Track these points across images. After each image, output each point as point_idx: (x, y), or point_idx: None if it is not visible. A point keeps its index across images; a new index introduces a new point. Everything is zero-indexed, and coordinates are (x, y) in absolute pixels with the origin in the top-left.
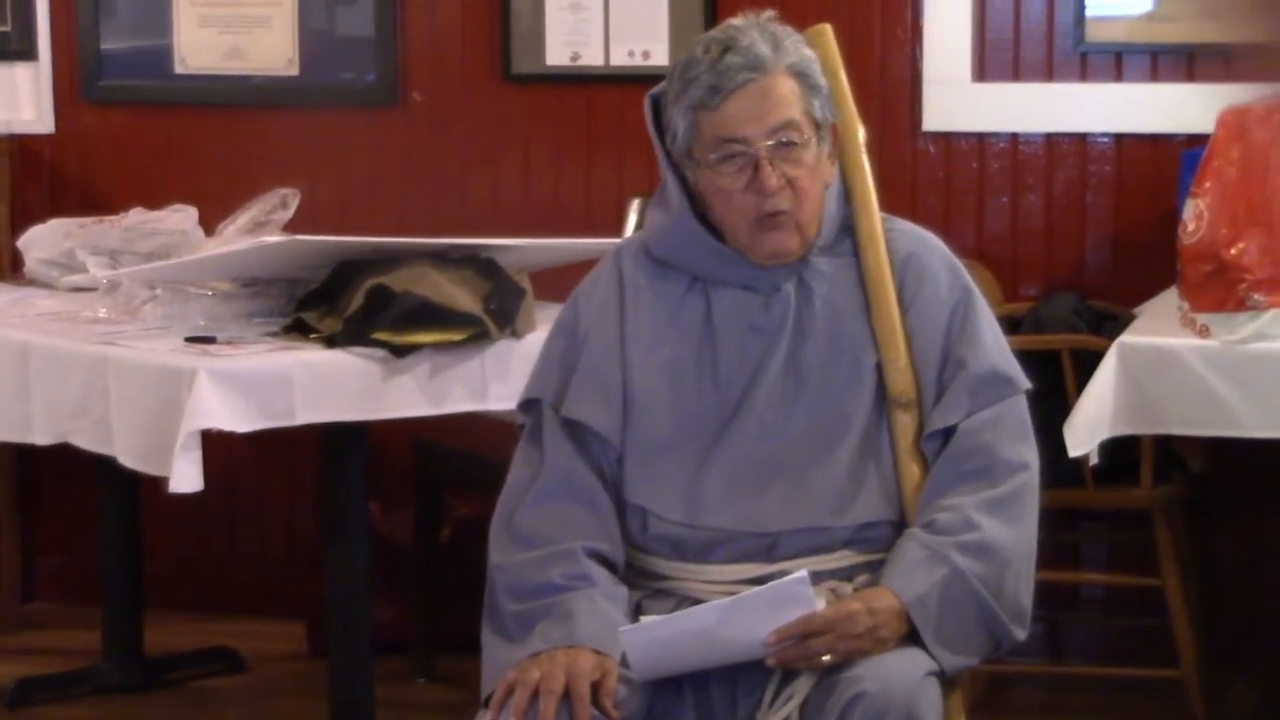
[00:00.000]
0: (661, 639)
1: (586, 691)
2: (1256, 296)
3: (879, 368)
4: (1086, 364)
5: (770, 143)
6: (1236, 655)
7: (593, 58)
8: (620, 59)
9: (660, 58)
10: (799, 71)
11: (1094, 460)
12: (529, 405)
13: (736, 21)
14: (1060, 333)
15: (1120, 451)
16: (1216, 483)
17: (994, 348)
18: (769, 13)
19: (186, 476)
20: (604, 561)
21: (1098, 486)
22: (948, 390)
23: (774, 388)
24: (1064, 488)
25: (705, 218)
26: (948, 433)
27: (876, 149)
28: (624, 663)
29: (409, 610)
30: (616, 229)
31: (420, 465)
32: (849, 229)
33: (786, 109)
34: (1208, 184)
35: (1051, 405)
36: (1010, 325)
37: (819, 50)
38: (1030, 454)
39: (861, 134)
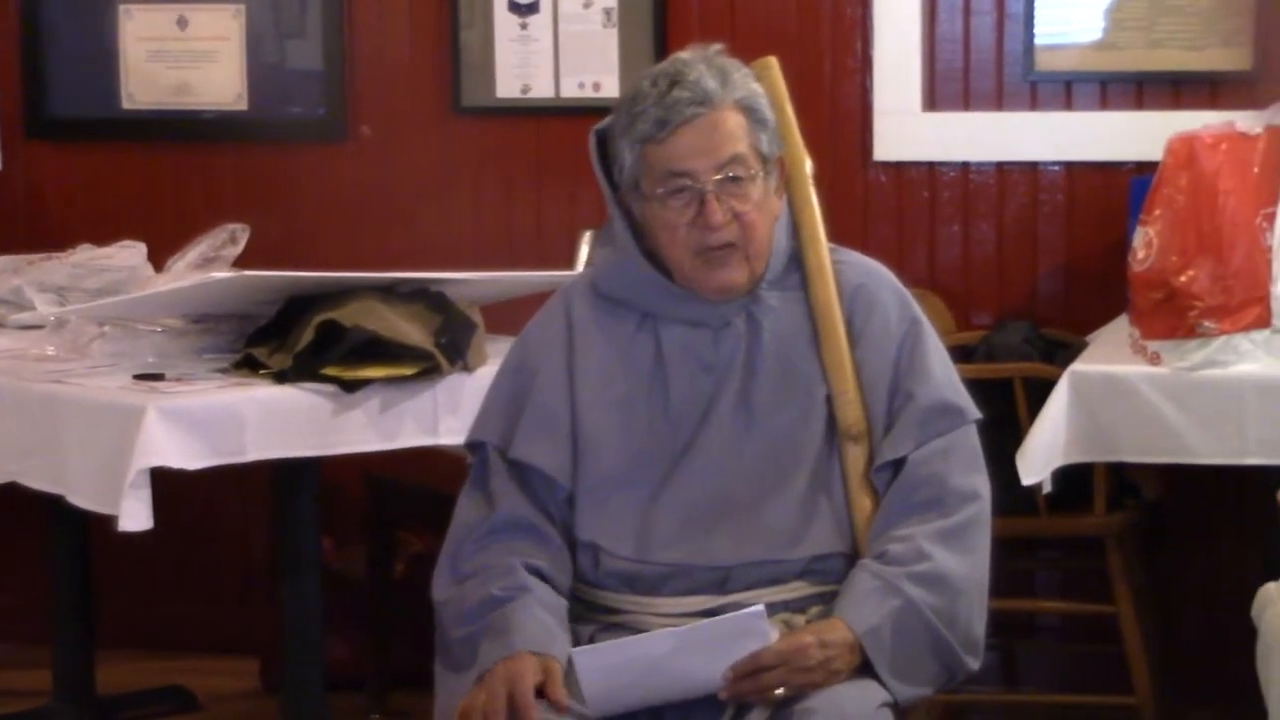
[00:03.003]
0: (614, 665)
1: (529, 693)
2: (1207, 323)
3: (829, 400)
4: (1039, 392)
5: (717, 177)
6: (1192, 681)
7: (543, 90)
8: (571, 91)
9: (611, 89)
10: (746, 106)
11: (1047, 488)
12: (474, 446)
13: (684, 55)
14: (1012, 361)
15: (1074, 479)
16: (1170, 509)
17: (943, 378)
18: (717, 46)
19: (136, 515)
20: (543, 577)
21: (1052, 514)
22: (897, 422)
23: (725, 423)
24: (1018, 516)
25: (653, 254)
26: (898, 464)
27: (828, 179)
28: (578, 696)
29: (362, 646)
30: (569, 262)
31: (373, 501)
32: (797, 262)
33: (733, 143)
34: (1157, 212)
35: (1005, 434)
36: (963, 354)
37: (765, 82)
38: (981, 484)
39: (809, 166)
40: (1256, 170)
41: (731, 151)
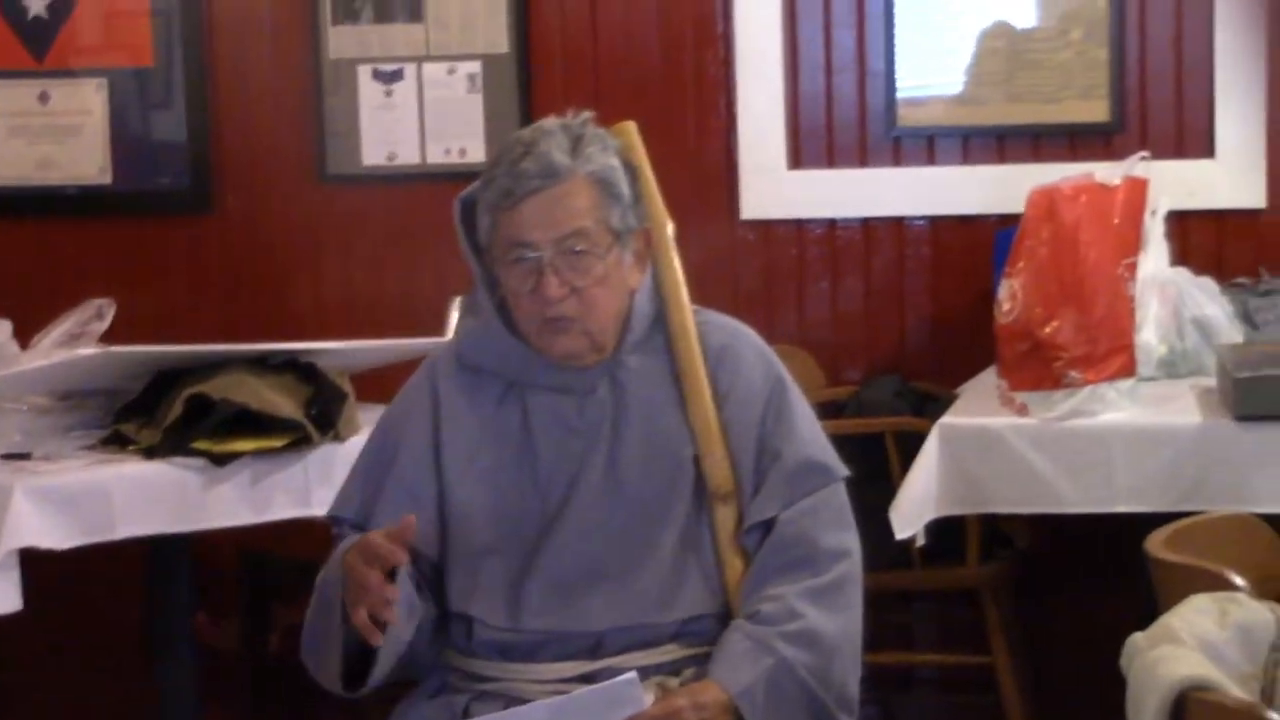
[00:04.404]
0: None
1: (381, 543)
2: (1072, 374)
3: (697, 462)
4: (910, 446)
5: (556, 250)
6: None
7: (409, 156)
8: (437, 157)
9: (477, 155)
10: (599, 179)
11: (921, 541)
12: (335, 520)
13: (546, 124)
14: (883, 416)
15: (948, 531)
16: (1043, 558)
17: (809, 436)
18: (585, 114)
19: (5, 597)
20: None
21: (926, 567)
22: (765, 482)
23: (594, 489)
24: (893, 570)
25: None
26: (768, 524)
27: (695, 239)
28: None
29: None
30: (438, 328)
31: (246, 574)
32: (661, 324)
33: (578, 218)
34: (1020, 264)
35: (877, 488)
36: (834, 410)
37: (624, 147)
38: (851, 541)
39: (670, 229)
40: (1117, 221)
41: (574, 226)
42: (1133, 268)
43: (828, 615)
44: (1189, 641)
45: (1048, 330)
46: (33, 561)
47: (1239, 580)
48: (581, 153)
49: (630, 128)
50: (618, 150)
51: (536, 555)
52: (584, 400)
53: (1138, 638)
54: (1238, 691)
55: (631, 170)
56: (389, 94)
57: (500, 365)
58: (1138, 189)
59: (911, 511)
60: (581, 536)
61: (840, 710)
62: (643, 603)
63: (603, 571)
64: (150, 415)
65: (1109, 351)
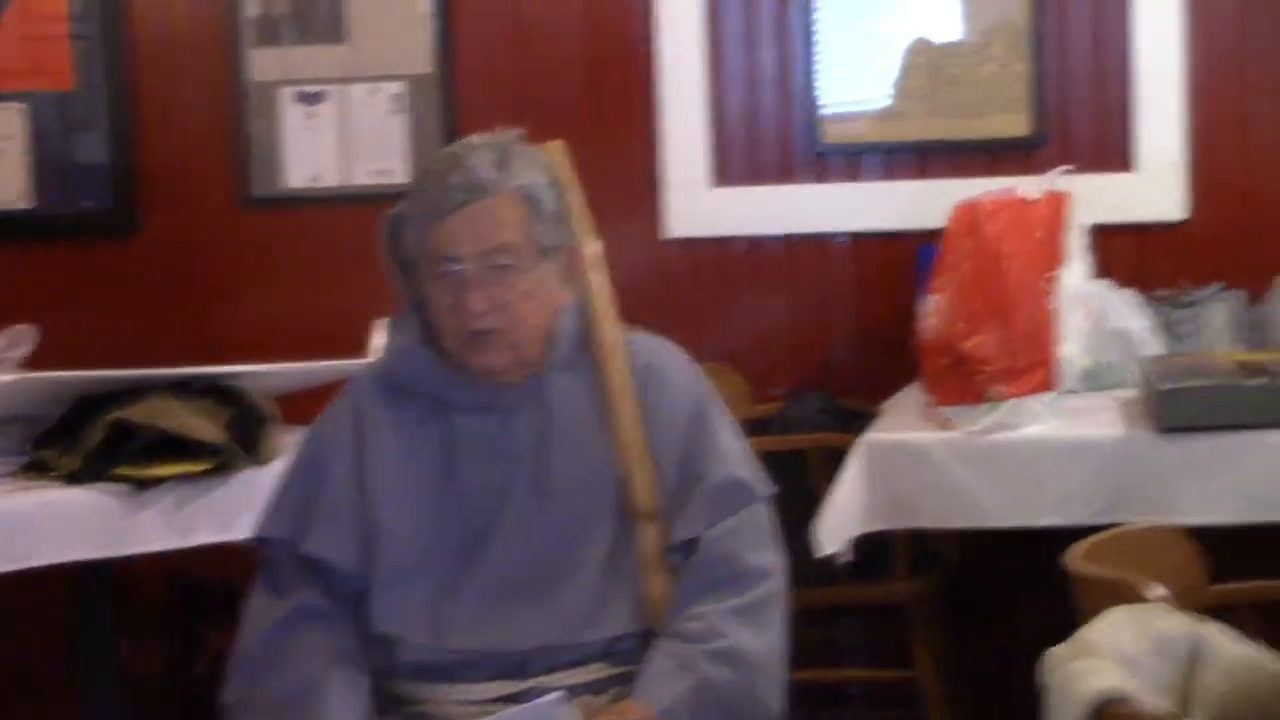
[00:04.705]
0: None
1: None
2: (995, 387)
3: (622, 481)
4: (836, 462)
5: (481, 264)
6: None
7: (333, 178)
8: (361, 178)
9: (402, 175)
10: (526, 195)
11: (846, 557)
12: (263, 541)
13: (474, 140)
14: (807, 432)
15: (875, 546)
16: (970, 573)
17: (734, 455)
18: (515, 133)
19: None
20: (341, 659)
21: (853, 582)
22: (688, 501)
23: (519, 508)
24: (820, 586)
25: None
26: (692, 543)
27: (620, 257)
28: None
29: None
30: (362, 349)
31: (171, 599)
32: (587, 344)
33: (504, 232)
34: (943, 279)
35: (803, 505)
36: (759, 427)
37: (552, 167)
38: (774, 559)
39: (597, 248)
40: (1039, 234)
41: (499, 240)
42: (1055, 281)
43: (751, 633)
44: (1107, 654)
45: (970, 344)
46: None
47: (1157, 592)
48: (508, 168)
49: (558, 146)
50: (546, 167)
51: (461, 575)
52: (509, 420)
53: (1056, 651)
54: (1155, 703)
55: (559, 188)
56: (311, 116)
57: (424, 384)
58: (1059, 203)
59: (836, 528)
60: (507, 556)
61: None
62: (568, 622)
63: (528, 591)
64: (71, 441)
65: (1031, 365)
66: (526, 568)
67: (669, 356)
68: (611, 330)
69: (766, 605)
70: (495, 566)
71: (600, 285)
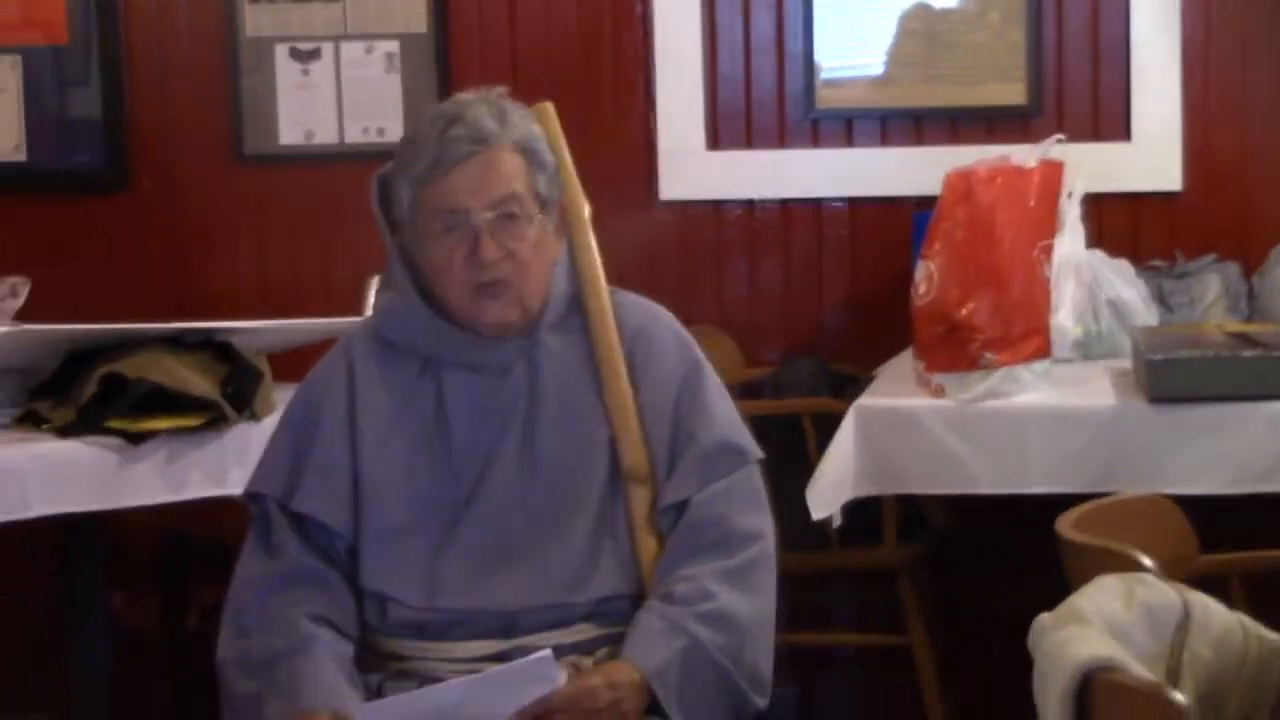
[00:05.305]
0: (402, 717)
1: None
2: (988, 355)
3: (612, 443)
4: (828, 427)
5: (491, 214)
6: (985, 711)
7: (327, 136)
8: (355, 136)
9: (395, 134)
10: (525, 147)
11: (837, 522)
12: (255, 498)
13: (465, 96)
14: (800, 397)
15: (866, 510)
16: (959, 539)
17: (724, 419)
18: (500, 89)
19: None
20: (328, 623)
21: (843, 547)
22: (679, 464)
23: (509, 468)
24: (811, 550)
25: (432, 297)
26: (682, 505)
27: (613, 220)
28: None
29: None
30: (356, 308)
31: (163, 553)
32: (577, 305)
33: (510, 182)
34: (937, 246)
35: (795, 469)
36: (751, 391)
37: (542, 127)
38: (764, 523)
39: (587, 210)
40: (1032, 203)
41: (506, 190)
42: (1049, 250)
43: (740, 596)
44: (1095, 622)
45: (963, 312)
46: None
47: (1147, 561)
48: (507, 121)
49: (548, 108)
50: (537, 124)
51: (451, 535)
52: (499, 379)
53: (1045, 618)
54: (1143, 671)
55: (551, 145)
56: (306, 73)
57: (416, 341)
58: (1054, 171)
59: (828, 492)
60: (496, 516)
61: (753, 690)
62: (556, 582)
63: (517, 551)
64: (64, 394)
65: (1024, 333)
66: (516, 528)
67: (659, 319)
68: (602, 295)
69: (756, 568)
70: (485, 527)
71: (592, 250)
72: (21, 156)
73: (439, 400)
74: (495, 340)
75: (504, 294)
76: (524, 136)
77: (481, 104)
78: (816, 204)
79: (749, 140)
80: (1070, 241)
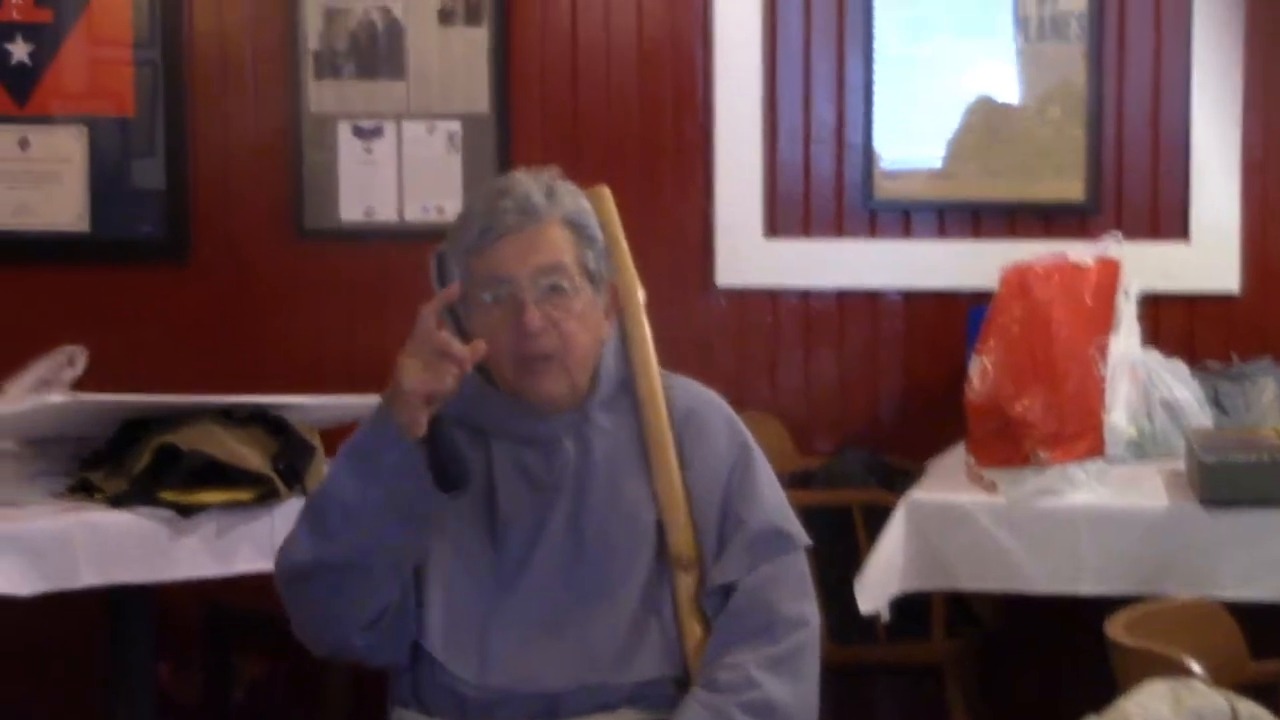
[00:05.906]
0: None
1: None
2: (1041, 452)
3: (659, 525)
4: (879, 520)
5: (537, 283)
6: None
7: (387, 213)
8: (415, 214)
9: (454, 213)
10: (573, 222)
11: (885, 617)
12: None
13: (517, 173)
14: (852, 488)
15: (914, 606)
16: (1008, 637)
17: (772, 504)
18: (553, 169)
19: None
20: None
21: (890, 641)
22: (727, 547)
23: (555, 545)
24: (858, 644)
25: (485, 370)
26: (728, 590)
27: (669, 304)
28: None
29: None
30: None
31: (210, 625)
32: (628, 387)
33: (556, 253)
34: (992, 341)
35: (844, 561)
36: (803, 480)
37: (598, 211)
38: (810, 610)
39: (641, 294)
40: (1089, 301)
41: (552, 260)
42: (1104, 348)
43: (784, 685)
44: None
45: (1018, 408)
46: None
47: (1196, 667)
48: (555, 196)
49: (604, 192)
50: (589, 204)
51: (496, 610)
52: (549, 453)
53: None
54: None
55: (603, 226)
56: (369, 150)
57: (468, 411)
58: (1111, 269)
59: (877, 586)
60: (542, 593)
61: None
62: (601, 661)
63: (561, 630)
64: (117, 464)
65: (1078, 431)
66: (560, 607)
67: (710, 403)
68: (654, 379)
69: (800, 656)
70: (530, 605)
71: (645, 334)
72: (85, 226)
73: (488, 471)
74: (546, 414)
75: (550, 368)
76: (572, 211)
77: (531, 180)
78: (872, 295)
79: (807, 229)
80: (1126, 340)
